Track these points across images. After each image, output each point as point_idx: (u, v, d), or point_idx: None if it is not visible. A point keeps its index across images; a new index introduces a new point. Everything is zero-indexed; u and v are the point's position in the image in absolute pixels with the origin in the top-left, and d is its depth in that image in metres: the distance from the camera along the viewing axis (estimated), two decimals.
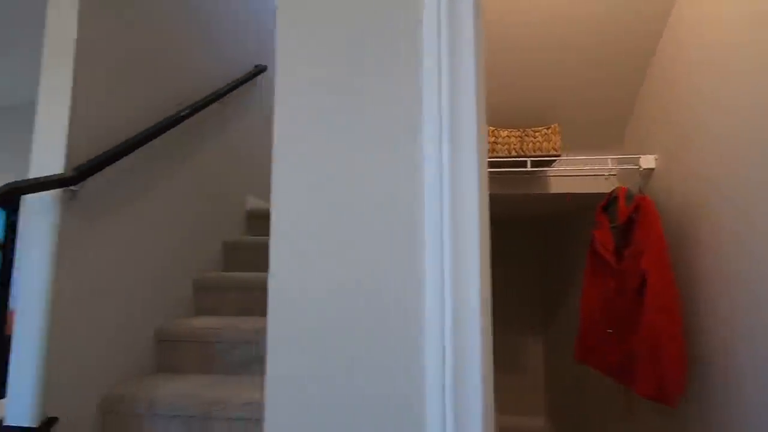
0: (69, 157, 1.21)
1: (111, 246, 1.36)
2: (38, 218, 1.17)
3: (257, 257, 2.08)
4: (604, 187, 2.01)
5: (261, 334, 1.53)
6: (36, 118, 1.22)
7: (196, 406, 1.28)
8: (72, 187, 1.20)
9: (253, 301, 1.81)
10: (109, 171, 1.32)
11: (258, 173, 2.48)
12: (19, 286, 1.14)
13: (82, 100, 1.25)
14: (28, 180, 1.10)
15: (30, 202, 1.17)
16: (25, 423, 1.11)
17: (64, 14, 1.25)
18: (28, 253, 1.15)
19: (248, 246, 2.09)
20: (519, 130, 1.97)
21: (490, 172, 1.87)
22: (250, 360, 1.53)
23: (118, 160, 1.32)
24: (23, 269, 1.14)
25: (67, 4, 1.25)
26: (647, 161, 1.86)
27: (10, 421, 1.11)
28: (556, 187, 2.13)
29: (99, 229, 1.31)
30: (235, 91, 2.09)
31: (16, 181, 1.08)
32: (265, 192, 2.56)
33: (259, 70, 2.40)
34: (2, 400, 1.15)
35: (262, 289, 1.82)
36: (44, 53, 1.25)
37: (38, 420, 1.11)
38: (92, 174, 1.23)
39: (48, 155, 1.20)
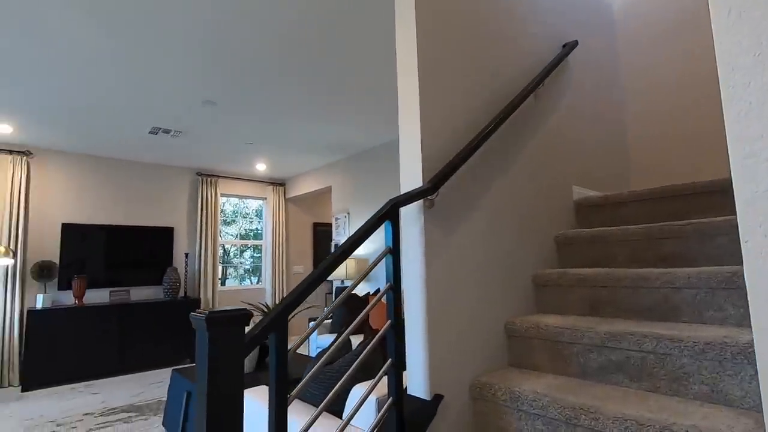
0: (424, 172, 1.41)
1: (461, 244, 1.50)
2: (410, 225, 1.42)
3: (592, 251, 1.87)
4: None
5: (617, 339, 1.32)
6: (400, 147, 1.50)
7: (559, 409, 1.22)
8: (429, 197, 1.39)
9: (598, 300, 1.61)
10: (452, 178, 1.47)
11: (580, 161, 2.26)
12: (405, 283, 1.40)
13: (427, 131, 1.45)
14: (402, 195, 1.34)
15: (403, 214, 1.43)
16: (421, 395, 1.34)
17: (409, 77, 1.49)
18: (407, 254, 1.41)
19: (582, 239, 1.91)
20: None
21: None
22: (610, 367, 1.35)
23: (459, 168, 1.45)
24: (405, 268, 1.41)
25: (411, 71, 1.49)
26: None
27: (411, 392, 1.38)
28: None
29: (451, 230, 1.47)
30: (548, 76, 1.98)
31: (395, 197, 1.33)
32: (590, 181, 2.30)
33: (568, 49, 2.20)
34: (404, 372, 1.45)
35: (607, 287, 1.60)
36: (400, 112, 1.52)
37: (430, 394, 1.32)
38: (443, 183, 1.39)
39: (409, 174, 1.45)
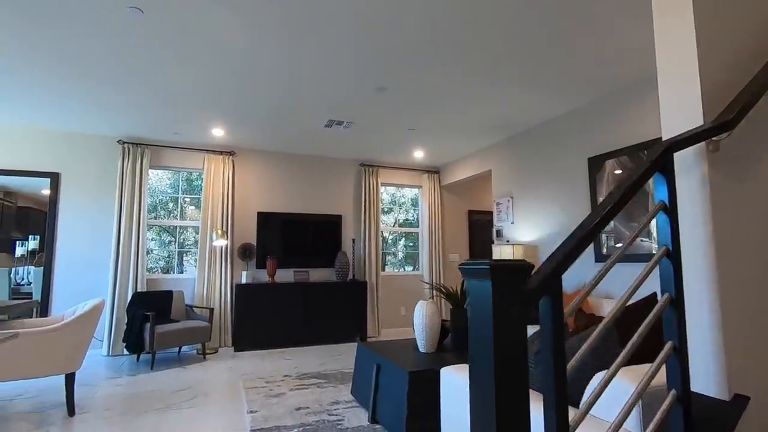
0: (705, 107, 1.09)
1: (761, 201, 1.13)
2: (685, 175, 1.12)
3: None
4: None
5: None
6: (660, 83, 1.20)
7: None
8: (715, 138, 1.07)
9: None
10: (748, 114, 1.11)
11: None
12: (683, 249, 1.11)
13: (707, 55, 1.12)
14: (677, 137, 1.06)
15: (676, 161, 1.14)
16: (712, 393, 1.04)
17: None
18: (683, 213, 1.11)
19: None
20: None
21: None
22: None
23: (757, 100, 1.08)
24: (682, 231, 1.11)
25: None
26: None
27: (696, 389, 1.08)
28: None
29: (746, 182, 1.12)
30: None
31: (667, 140, 1.06)
32: None
33: None
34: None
35: None
36: (658, 42, 1.22)
37: (728, 394, 1.01)
38: (737, 122, 1.05)
39: (678, 113, 1.14)
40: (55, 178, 4.78)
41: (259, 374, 3.88)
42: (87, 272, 4.83)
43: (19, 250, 5.29)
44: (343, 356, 4.65)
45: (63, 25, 2.66)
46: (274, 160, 5.78)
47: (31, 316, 4.64)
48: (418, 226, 6.86)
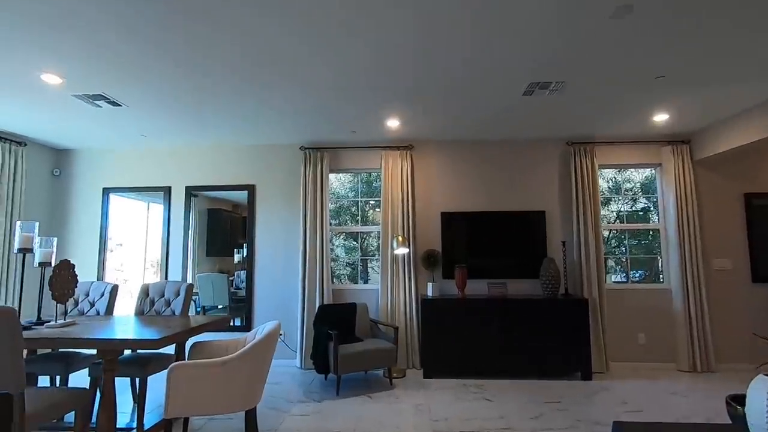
0: None
1: None
2: None
3: None
4: None
5: None
6: None
7: None
8: None
9: None
10: None
11: None
12: None
13: None
14: None
15: None
16: None
17: None
18: None
19: None
20: None
21: None
22: None
23: None
24: None
25: None
26: None
27: None
28: None
29: None
30: None
31: None
32: None
33: None
34: None
35: None
36: None
37: None
38: None
39: None
40: (251, 190, 4.96)
41: (453, 423, 3.01)
42: (281, 280, 4.87)
43: (236, 257, 5.79)
44: (563, 403, 3.40)
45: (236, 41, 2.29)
46: (456, 150, 4.88)
47: (230, 324, 4.91)
48: (655, 220, 4.95)
